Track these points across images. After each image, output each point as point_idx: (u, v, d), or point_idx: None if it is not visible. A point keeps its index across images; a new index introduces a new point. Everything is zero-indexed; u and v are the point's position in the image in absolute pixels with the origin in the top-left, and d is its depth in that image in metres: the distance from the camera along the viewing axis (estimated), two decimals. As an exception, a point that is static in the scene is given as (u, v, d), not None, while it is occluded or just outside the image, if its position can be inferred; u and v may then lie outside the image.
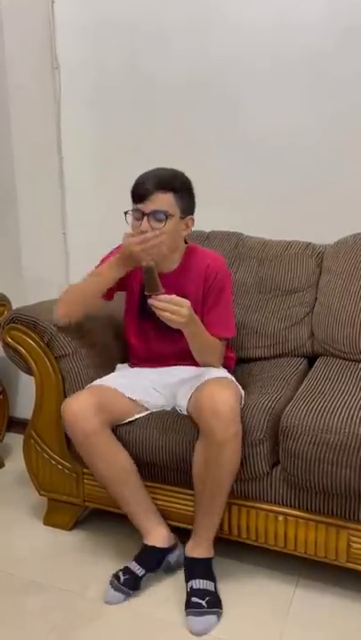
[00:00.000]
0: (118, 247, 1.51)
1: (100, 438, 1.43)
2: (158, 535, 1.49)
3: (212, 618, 1.36)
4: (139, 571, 1.46)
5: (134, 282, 1.58)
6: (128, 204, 2.12)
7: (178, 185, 1.44)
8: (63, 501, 1.70)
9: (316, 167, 1.94)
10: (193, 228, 2.00)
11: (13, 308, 1.88)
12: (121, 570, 1.47)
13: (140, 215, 1.42)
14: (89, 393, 1.47)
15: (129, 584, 1.44)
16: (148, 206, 1.41)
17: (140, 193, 1.42)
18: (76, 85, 2.12)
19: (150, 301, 1.34)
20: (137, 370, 1.63)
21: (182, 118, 2.04)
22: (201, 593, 1.38)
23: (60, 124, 2.16)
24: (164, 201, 1.41)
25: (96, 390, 1.49)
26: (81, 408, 1.42)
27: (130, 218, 1.45)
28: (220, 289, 1.52)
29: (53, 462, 1.66)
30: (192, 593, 1.39)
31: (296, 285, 1.85)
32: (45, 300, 1.74)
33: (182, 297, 1.42)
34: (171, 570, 1.51)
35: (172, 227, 1.43)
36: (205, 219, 2.03)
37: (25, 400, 2.28)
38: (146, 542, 1.49)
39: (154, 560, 1.48)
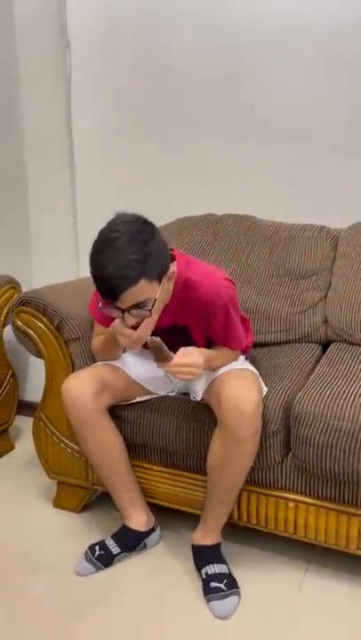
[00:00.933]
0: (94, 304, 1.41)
1: (96, 421, 1.43)
2: (140, 519, 1.52)
3: (235, 598, 1.37)
4: (114, 549, 1.49)
5: None
6: (139, 188, 2.11)
7: (147, 263, 1.18)
8: (72, 484, 1.70)
9: (331, 150, 1.89)
10: (205, 211, 2.00)
11: (23, 291, 1.87)
12: (97, 544, 1.51)
13: (118, 311, 1.23)
14: (90, 373, 1.45)
15: (102, 559, 1.48)
16: (124, 303, 1.20)
17: (107, 293, 1.20)
18: (86, 65, 2.09)
19: (161, 367, 1.27)
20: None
21: (194, 99, 2.00)
22: (218, 577, 1.39)
23: (71, 105, 2.13)
24: (139, 292, 1.19)
25: (99, 369, 1.48)
26: (81, 388, 1.41)
27: (106, 309, 1.26)
28: (223, 320, 1.37)
29: (63, 445, 1.66)
30: (209, 579, 1.39)
31: (310, 269, 1.82)
32: (55, 284, 1.73)
33: (183, 328, 1.40)
34: (144, 549, 1.56)
35: (158, 301, 1.25)
36: (217, 201, 2.01)
37: (35, 383, 2.28)
38: (127, 524, 1.52)
39: (132, 542, 1.52)
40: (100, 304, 1.26)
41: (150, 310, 1.23)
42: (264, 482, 1.44)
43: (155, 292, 1.22)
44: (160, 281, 1.24)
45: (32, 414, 1.73)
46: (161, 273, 1.24)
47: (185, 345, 1.33)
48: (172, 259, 1.33)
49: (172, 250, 1.37)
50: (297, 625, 1.32)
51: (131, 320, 1.24)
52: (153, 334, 1.28)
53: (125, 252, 1.17)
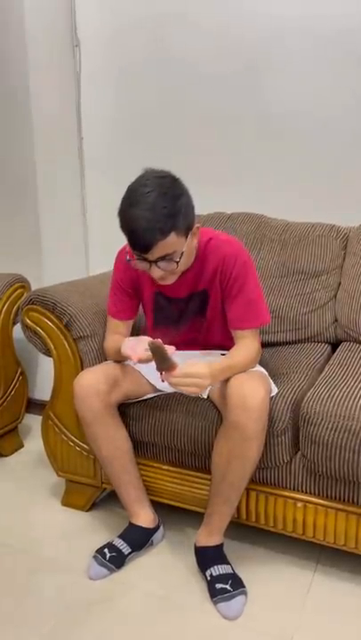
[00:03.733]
0: (122, 253, 1.48)
1: (106, 419, 1.44)
2: (148, 516, 1.53)
3: (242, 598, 1.36)
4: (125, 549, 1.49)
5: (146, 297, 1.53)
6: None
7: (177, 217, 1.24)
8: (81, 483, 1.70)
9: (342, 148, 1.87)
10: (215, 209, 1.99)
11: (32, 289, 1.87)
12: (106, 546, 1.50)
13: (145, 262, 1.28)
14: (102, 370, 1.46)
15: (115, 561, 1.47)
16: (153, 255, 1.25)
17: (139, 245, 1.25)
18: (96, 63, 2.09)
19: (165, 379, 1.25)
20: None
21: (204, 97, 1.99)
22: (223, 578, 1.38)
23: (81, 103, 2.13)
24: (168, 245, 1.24)
25: (111, 366, 1.48)
26: (92, 385, 1.42)
27: (135, 262, 1.31)
28: (241, 278, 1.38)
29: (71, 444, 1.66)
30: (214, 580, 1.38)
31: (320, 268, 1.81)
32: (64, 282, 1.73)
33: (202, 293, 1.40)
34: (151, 546, 1.56)
35: (185, 254, 1.31)
36: (227, 200, 2.00)
37: (44, 382, 2.29)
38: (134, 522, 1.53)
39: (140, 539, 1.52)
40: (128, 257, 1.31)
41: (177, 262, 1.28)
42: (273, 481, 1.44)
43: (182, 245, 1.28)
44: (187, 235, 1.29)
45: (41, 412, 1.74)
46: (188, 227, 1.30)
47: (201, 312, 1.37)
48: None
49: None
50: (305, 626, 1.31)
51: (157, 272, 1.29)
52: (171, 304, 1.31)
53: (157, 205, 1.22)
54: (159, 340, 1.21)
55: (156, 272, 1.29)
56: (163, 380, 1.26)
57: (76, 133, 2.14)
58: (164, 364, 1.22)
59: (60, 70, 2.10)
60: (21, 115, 2.15)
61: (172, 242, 1.25)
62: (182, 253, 1.29)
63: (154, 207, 1.21)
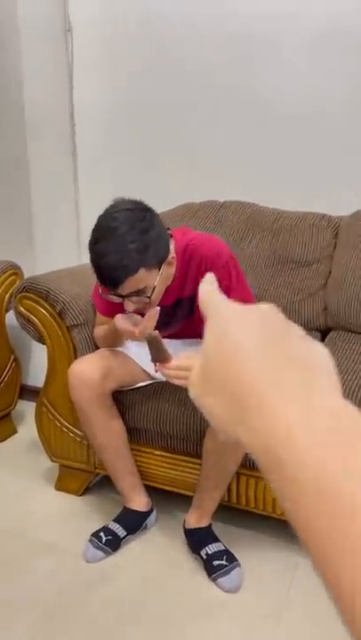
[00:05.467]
0: (96, 294, 1.43)
1: (101, 407, 1.46)
2: (142, 500, 1.57)
3: (238, 570, 1.42)
4: (120, 532, 1.52)
5: None
6: (141, 174, 2.11)
7: (146, 253, 1.20)
8: (74, 468, 1.73)
9: (334, 138, 1.88)
10: (206, 198, 2.00)
11: (25, 277, 1.88)
12: (101, 530, 1.53)
13: (118, 297, 1.26)
14: (97, 358, 1.48)
15: (111, 544, 1.50)
16: (123, 290, 1.22)
17: (107, 282, 1.22)
18: (88, 49, 2.07)
19: (159, 370, 1.24)
20: None
21: (196, 84, 1.99)
22: (218, 555, 1.43)
23: (73, 90, 2.11)
24: (138, 280, 1.21)
25: (106, 354, 1.50)
26: (86, 373, 1.43)
27: (107, 295, 1.28)
28: (225, 280, 1.34)
29: (65, 430, 1.68)
30: (210, 558, 1.43)
31: (311, 257, 1.83)
32: (57, 270, 1.74)
33: (189, 299, 1.38)
34: (145, 529, 1.59)
35: (158, 288, 1.26)
36: (219, 188, 2.01)
37: (37, 368, 2.30)
38: (129, 506, 1.56)
39: (135, 523, 1.56)
40: (101, 290, 1.28)
41: (149, 297, 1.24)
42: (262, 466, 1.47)
43: (154, 279, 1.24)
44: (160, 267, 1.25)
45: (34, 399, 1.75)
46: (161, 260, 1.25)
47: (189, 318, 1.35)
48: (170, 236, 1.35)
49: (169, 229, 1.39)
50: (292, 603, 1.35)
51: (130, 306, 1.26)
52: (160, 309, 1.28)
53: (124, 241, 1.18)
54: (156, 332, 1.21)
55: (129, 306, 1.25)
56: (157, 371, 1.27)
57: (68, 121, 2.13)
58: (160, 356, 1.22)
59: (53, 56, 2.08)
60: (13, 102, 2.14)
61: (142, 277, 1.21)
62: (154, 288, 1.24)
63: (122, 243, 1.17)
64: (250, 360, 0.28)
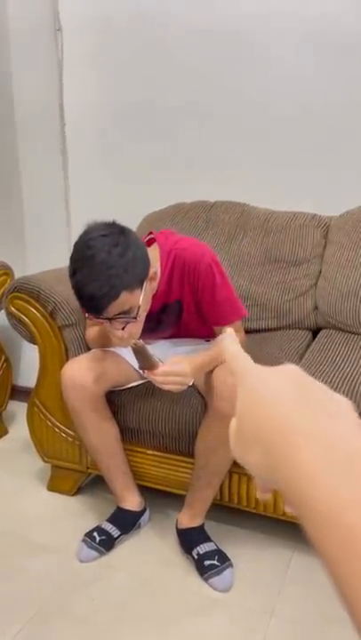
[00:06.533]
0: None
1: (94, 408, 1.46)
2: (135, 500, 1.57)
3: (230, 570, 1.43)
4: (114, 532, 1.53)
5: None
6: (131, 174, 2.11)
7: (125, 276, 1.20)
8: (66, 468, 1.73)
9: (323, 138, 1.90)
10: (197, 198, 2.01)
11: (16, 277, 1.87)
12: (95, 530, 1.53)
13: (105, 320, 1.26)
14: (90, 358, 1.48)
15: (104, 544, 1.51)
16: (108, 314, 1.23)
17: (91, 310, 1.24)
18: (78, 48, 2.07)
19: (147, 377, 1.25)
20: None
21: (188, 84, 1.99)
22: (209, 555, 1.44)
23: (63, 88, 2.11)
24: (121, 303, 1.21)
25: (98, 355, 1.50)
26: (80, 374, 1.43)
27: (93, 320, 1.30)
28: (210, 282, 1.36)
29: (57, 430, 1.68)
30: (201, 558, 1.44)
31: (301, 257, 1.84)
32: (49, 270, 1.74)
33: (175, 304, 1.39)
34: (138, 529, 1.59)
35: (142, 306, 1.27)
36: (210, 188, 2.01)
37: (28, 369, 2.30)
38: (122, 506, 1.56)
39: (128, 522, 1.56)
40: (86, 315, 1.28)
41: (135, 317, 1.24)
42: (254, 465, 1.48)
43: (137, 299, 1.24)
44: (142, 286, 1.25)
45: (26, 399, 1.75)
46: (141, 279, 1.25)
47: (177, 322, 1.36)
48: (151, 242, 1.36)
49: (151, 233, 1.39)
50: (285, 600, 1.36)
51: (118, 326, 1.26)
52: (145, 319, 1.29)
53: (103, 269, 1.17)
54: (141, 341, 1.22)
55: (116, 327, 1.25)
56: (145, 376, 1.28)
57: (58, 121, 2.13)
58: (147, 364, 1.24)
59: (43, 55, 2.08)
60: (3, 101, 2.13)
61: (125, 300, 1.21)
62: (139, 307, 1.25)
63: (100, 271, 1.17)
64: (288, 412, 0.33)
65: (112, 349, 1.52)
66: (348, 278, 1.76)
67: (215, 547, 1.46)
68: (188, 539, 1.48)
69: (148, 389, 1.54)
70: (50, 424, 1.68)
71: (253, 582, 1.42)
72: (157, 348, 1.55)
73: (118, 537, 1.53)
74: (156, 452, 1.58)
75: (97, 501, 1.73)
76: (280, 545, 1.55)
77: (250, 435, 0.34)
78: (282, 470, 0.31)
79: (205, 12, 1.91)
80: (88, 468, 1.69)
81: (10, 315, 1.63)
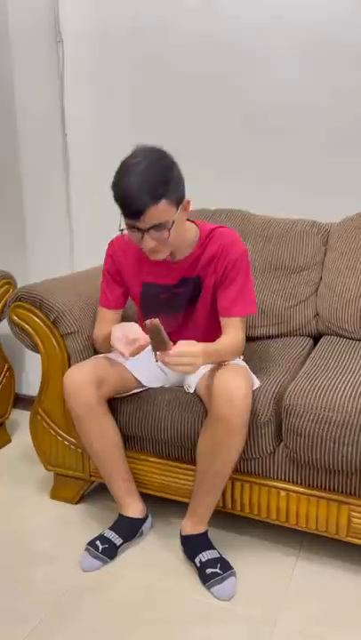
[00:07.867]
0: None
1: (96, 414, 1.47)
2: (137, 507, 1.57)
3: (232, 579, 1.42)
4: (117, 540, 1.52)
5: (135, 292, 1.56)
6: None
7: (168, 185, 1.27)
8: (69, 476, 1.73)
9: (323, 144, 1.91)
10: (198, 207, 2.02)
11: (18, 286, 1.88)
12: (97, 538, 1.53)
13: (137, 232, 1.31)
14: (91, 365, 1.49)
15: (107, 552, 1.50)
16: (144, 223, 1.28)
17: (130, 211, 1.27)
18: (79, 59, 2.09)
19: (159, 359, 1.25)
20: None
21: (187, 93, 2.02)
22: (212, 562, 1.43)
23: (64, 99, 2.13)
24: (160, 212, 1.27)
25: (100, 362, 1.51)
26: (82, 381, 1.44)
27: (126, 232, 1.34)
28: (238, 265, 1.43)
29: (60, 438, 1.69)
30: (204, 566, 1.43)
31: (301, 264, 1.85)
32: (50, 279, 1.75)
33: (195, 280, 1.43)
34: (141, 536, 1.59)
35: (175, 225, 1.32)
36: (211, 196, 2.02)
37: (31, 377, 2.31)
38: (124, 513, 1.56)
39: (131, 530, 1.56)
40: (122, 226, 1.33)
41: (169, 231, 1.29)
42: (257, 471, 1.48)
43: (173, 215, 1.30)
44: (178, 207, 1.31)
45: (28, 408, 1.76)
46: (179, 199, 1.32)
47: (192, 302, 1.42)
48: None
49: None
50: (288, 609, 1.36)
51: (149, 242, 1.31)
52: (160, 293, 1.34)
53: (148, 173, 1.25)
54: (157, 320, 1.21)
55: (148, 242, 1.31)
56: (157, 360, 1.27)
57: (60, 130, 2.15)
58: (160, 345, 1.23)
59: (44, 67, 2.10)
60: (5, 111, 2.15)
61: (163, 209, 1.27)
62: (173, 223, 1.30)
63: (145, 174, 1.25)
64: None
65: (113, 356, 1.53)
66: (348, 285, 1.76)
67: (218, 554, 1.46)
68: (192, 545, 1.48)
69: (150, 396, 1.54)
70: (53, 432, 1.69)
71: (256, 590, 1.42)
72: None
73: (121, 545, 1.53)
74: (158, 460, 1.58)
75: (100, 509, 1.73)
76: (283, 552, 1.55)
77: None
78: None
79: (205, 23, 1.93)
80: (91, 475, 1.70)
81: (13, 324, 1.64)
